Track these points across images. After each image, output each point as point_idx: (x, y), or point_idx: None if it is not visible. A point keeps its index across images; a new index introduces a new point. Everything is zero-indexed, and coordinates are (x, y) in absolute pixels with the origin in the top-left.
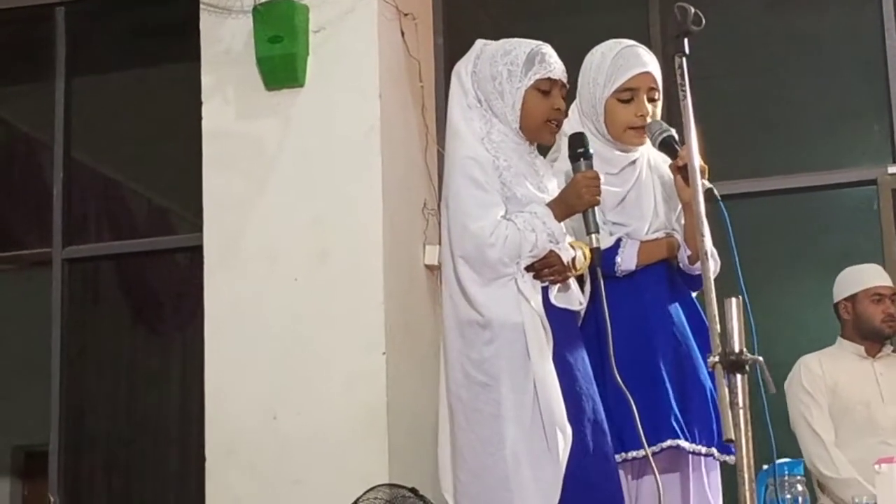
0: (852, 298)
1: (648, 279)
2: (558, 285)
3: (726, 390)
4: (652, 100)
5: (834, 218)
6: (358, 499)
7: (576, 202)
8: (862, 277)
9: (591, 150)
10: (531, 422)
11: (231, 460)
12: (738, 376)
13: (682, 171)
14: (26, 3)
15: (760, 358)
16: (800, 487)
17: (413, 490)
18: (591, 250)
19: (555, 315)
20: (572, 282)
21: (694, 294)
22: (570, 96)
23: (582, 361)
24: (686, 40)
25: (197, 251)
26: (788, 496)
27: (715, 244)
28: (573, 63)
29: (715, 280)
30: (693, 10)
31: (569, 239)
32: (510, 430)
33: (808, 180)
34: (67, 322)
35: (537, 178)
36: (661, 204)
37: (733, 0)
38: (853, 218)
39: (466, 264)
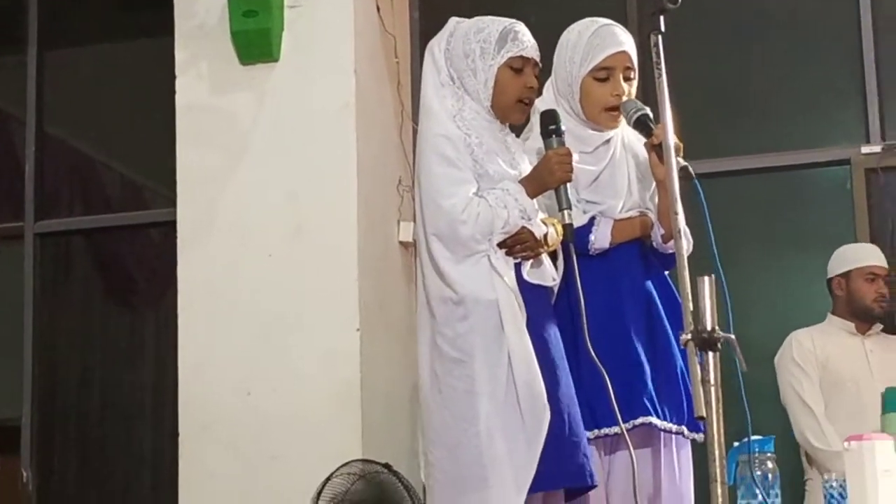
0: (846, 275)
1: (622, 257)
2: (531, 262)
3: (698, 368)
4: (628, 79)
5: (808, 197)
6: (331, 474)
7: (548, 179)
8: (858, 255)
9: (564, 128)
10: (505, 397)
11: (205, 436)
12: (710, 354)
13: (656, 148)
14: None
15: (732, 336)
16: (770, 465)
17: (386, 465)
18: (564, 226)
19: (528, 291)
20: (545, 258)
21: (667, 273)
22: (543, 75)
23: (555, 337)
24: (662, 18)
25: (170, 226)
26: (759, 473)
27: (689, 222)
28: (550, 42)
29: (689, 258)
30: None
31: (541, 215)
32: (484, 405)
33: (782, 160)
34: (39, 296)
35: (509, 155)
36: (635, 182)
37: None
38: (827, 197)
39: (439, 241)
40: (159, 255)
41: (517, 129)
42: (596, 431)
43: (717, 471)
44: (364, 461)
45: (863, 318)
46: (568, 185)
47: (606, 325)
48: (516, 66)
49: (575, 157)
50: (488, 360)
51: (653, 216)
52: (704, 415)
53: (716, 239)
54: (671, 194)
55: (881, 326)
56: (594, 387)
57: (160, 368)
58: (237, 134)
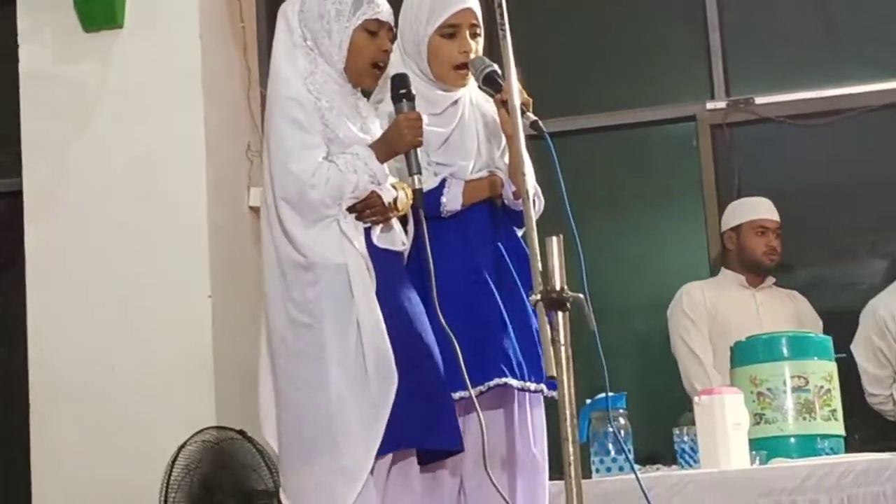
0: (737, 229)
1: (474, 218)
2: (380, 226)
3: (548, 328)
4: (474, 35)
5: (655, 155)
6: (185, 442)
7: (398, 143)
8: (748, 209)
9: (414, 92)
10: (354, 363)
11: (57, 410)
12: (560, 314)
13: (506, 105)
14: None
15: (581, 295)
16: (622, 420)
17: (241, 432)
18: (414, 191)
19: (378, 256)
20: (395, 223)
21: (521, 232)
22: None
23: (409, 301)
24: None
25: (17, 196)
26: (610, 429)
27: (540, 180)
28: (398, 7)
29: (541, 217)
30: None
31: (392, 180)
32: (333, 371)
33: (629, 117)
34: None
35: (360, 119)
36: (484, 142)
37: None
38: (674, 154)
39: (288, 206)
40: (6, 226)
41: (369, 94)
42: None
43: (569, 430)
44: (218, 428)
45: (754, 272)
46: (418, 149)
47: (460, 287)
48: (372, 28)
49: (424, 119)
50: (338, 325)
51: (503, 175)
52: (555, 374)
53: (566, 195)
54: (518, 154)
55: (773, 280)
56: (446, 351)
57: (10, 342)
58: (83, 102)
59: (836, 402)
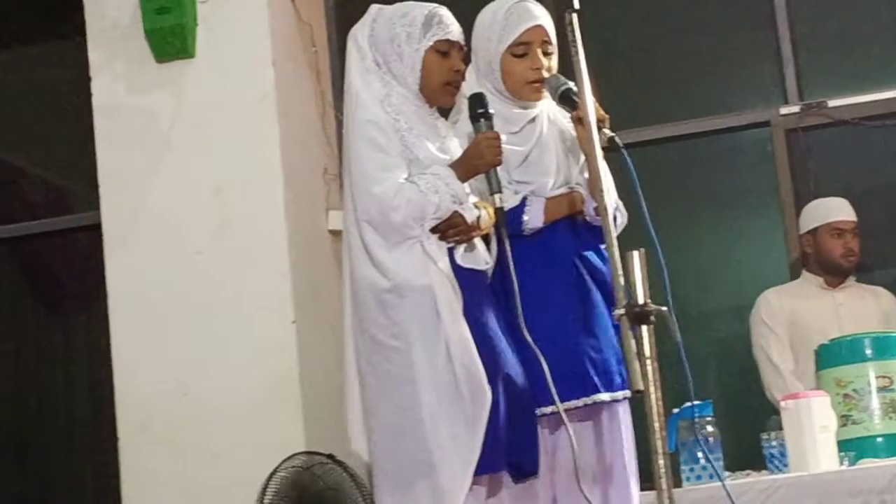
0: (814, 232)
1: (556, 235)
2: (464, 246)
3: (632, 342)
4: (546, 53)
5: (730, 162)
6: (276, 469)
7: (478, 162)
8: (823, 212)
9: (491, 111)
10: (446, 383)
11: (145, 438)
12: (644, 327)
13: (582, 121)
14: None
15: (664, 308)
16: (710, 428)
17: (330, 456)
18: (495, 210)
19: (462, 276)
20: (478, 242)
21: (604, 246)
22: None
23: (493, 320)
24: None
25: (96, 229)
26: (699, 437)
27: (620, 193)
28: (471, 26)
29: (624, 230)
30: None
31: (473, 199)
32: (425, 392)
33: (703, 125)
34: None
35: (439, 139)
36: (564, 159)
37: None
38: (749, 160)
39: (371, 228)
40: (87, 259)
41: (445, 113)
42: (541, 410)
43: (658, 443)
44: (308, 453)
45: (833, 273)
46: (498, 168)
47: (544, 304)
48: (442, 49)
49: (503, 138)
50: (426, 346)
51: (583, 191)
52: (641, 388)
53: (646, 208)
54: (596, 171)
55: (855, 278)
56: (533, 368)
57: (95, 373)
58: (157, 132)
59: None
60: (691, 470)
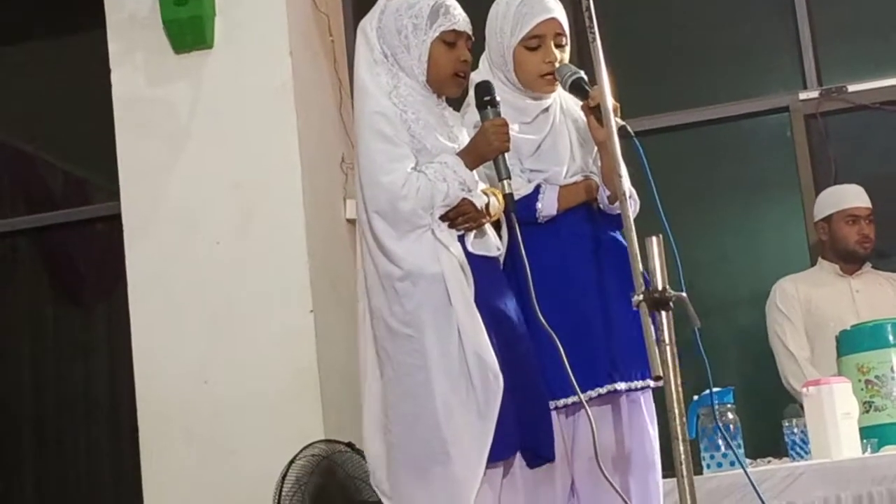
0: (828, 219)
1: (570, 223)
2: (474, 233)
3: (652, 328)
4: (559, 45)
5: (749, 148)
6: (295, 457)
7: (485, 150)
8: (837, 199)
9: (498, 98)
10: (459, 371)
11: (165, 428)
12: (663, 313)
13: (594, 111)
14: None
15: (683, 294)
16: (730, 415)
17: (349, 444)
18: (505, 196)
19: (474, 263)
20: (488, 228)
21: (619, 233)
22: (477, 49)
23: (506, 306)
24: None
25: (116, 220)
26: (720, 424)
27: (633, 181)
28: (483, 16)
29: (637, 217)
30: None
31: (482, 186)
32: (438, 380)
33: (721, 111)
34: None
35: (447, 128)
36: (577, 147)
37: None
38: (768, 146)
39: (381, 218)
40: (107, 250)
41: (456, 104)
42: (555, 402)
43: (679, 429)
44: (327, 441)
45: (849, 260)
46: (506, 155)
47: (559, 292)
48: (449, 39)
49: (515, 127)
50: (439, 334)
51: (597, 179)
52: (661, 374)
53: (660, 196)
54: (613, 157)
55: (871, 265)
56: (550, 357)
57: (115, 363)
58: (177, 123)
59: None
60: (711, 457)
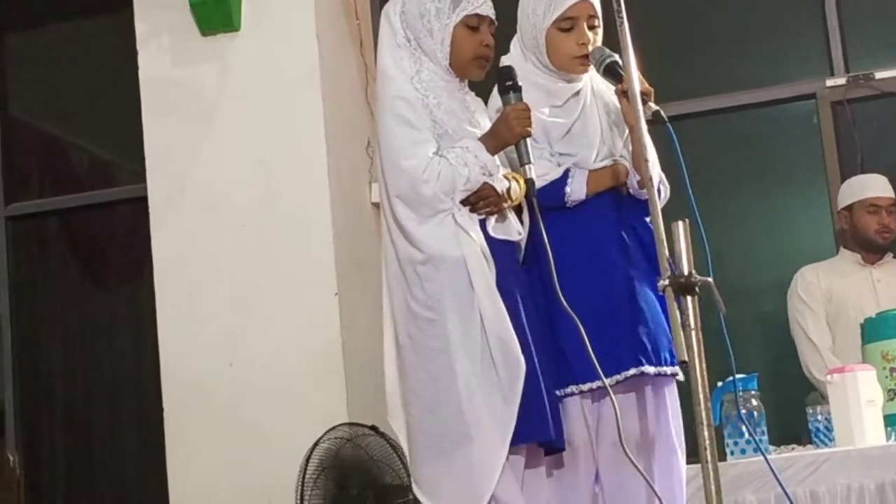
0: (849, 208)
1: (598, 207)
2: (495, 217)
3: (677, 312)
4: (592, 27)
5: (775, 134)
6: (319, 439)
7: (506, 134)
8: (858, 188)
9: (520, 83)
10: (481, 354)
11: (190, 409)
12: (689, 298)
13: (627, 95)
14: None
15: (710, 279)
16: (754, 402)
17: (373, 427)
18: (526, 181)
19: (495, 247)
20: (510, 213)
21: (648, 218)
22: (502, 34)
23: (524, 292)
24: None
25: (141, 202)
26: (744, 411)
27: (664, 166)
28: (512, 1)
29: (667, 203)
30: None
31: (504, 171)
32: (460, 363)
33: (748, 98)
34: (15, 279)
35: (469, 113)
36: (608, 131)
37: None
38: (795, 133)
39: (402, 203)
40: (132, 231)
41: (479, 89)
42: (580, 386)
43: (703, 414)
44: (350, 424)
45: (869, 250)
46: (535, 138)
47: (586, 276)
48: (472, 24)
49: (545, 111)
50: (461, 317)
51: (627, 163)
52: (686, 359)
53: (688, 181)
54: (641, 143)
55: (893, 255)
56: (574, 341)
57: (140, 345)
58: (203, 105)
59: None
60: (735, 444)
